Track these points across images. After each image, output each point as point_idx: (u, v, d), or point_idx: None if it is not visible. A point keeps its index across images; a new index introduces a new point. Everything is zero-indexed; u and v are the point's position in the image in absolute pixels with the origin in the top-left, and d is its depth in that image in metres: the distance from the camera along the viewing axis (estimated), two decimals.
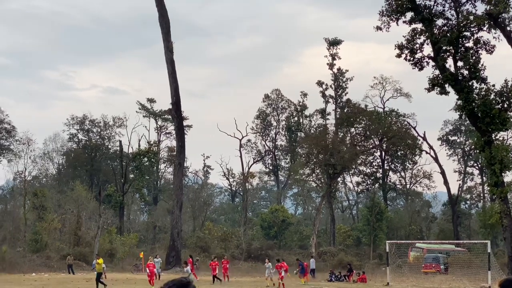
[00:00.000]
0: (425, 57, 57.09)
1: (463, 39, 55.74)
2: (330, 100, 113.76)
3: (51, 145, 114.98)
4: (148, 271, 47.49)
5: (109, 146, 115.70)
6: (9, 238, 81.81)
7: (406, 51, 57.36)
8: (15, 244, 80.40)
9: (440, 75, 55.69)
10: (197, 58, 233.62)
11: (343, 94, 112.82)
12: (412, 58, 57.48)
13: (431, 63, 56.69)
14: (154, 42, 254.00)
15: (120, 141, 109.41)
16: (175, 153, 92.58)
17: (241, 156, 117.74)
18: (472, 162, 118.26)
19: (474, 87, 55.18)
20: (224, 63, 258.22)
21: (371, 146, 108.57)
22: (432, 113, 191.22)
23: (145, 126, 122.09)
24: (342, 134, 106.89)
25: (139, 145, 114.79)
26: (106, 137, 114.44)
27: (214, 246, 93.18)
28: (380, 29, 58.44)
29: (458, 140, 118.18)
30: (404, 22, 57.12)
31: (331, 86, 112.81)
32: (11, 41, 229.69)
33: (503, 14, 55.06)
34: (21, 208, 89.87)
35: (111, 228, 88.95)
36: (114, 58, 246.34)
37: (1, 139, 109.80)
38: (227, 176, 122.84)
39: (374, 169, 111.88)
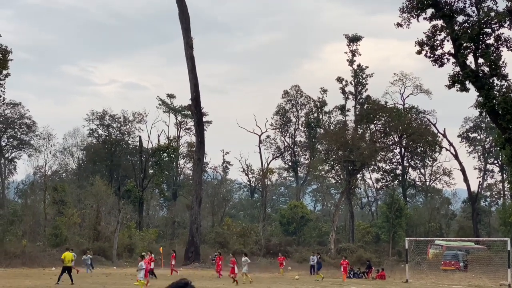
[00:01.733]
0: (446, 54, 56.71)
1: (484, 35, 55.33)
2: (350, 96, 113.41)
3: (71, 140, 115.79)
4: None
5: (129, 142, 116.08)
6: (29, 233, 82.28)
7: (427, 48, 57.00)
8: (35, 239, 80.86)
9: (460, 72, 55.35)
10: (216, 54, 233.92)
11: (363, 90, 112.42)
12: (432, 55, 57.11)
13: (452, 59, 56.31)
14: (174, 37, 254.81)
15: (140, 137, 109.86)
16: (194, 148, 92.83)
17: (260, 152, 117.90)
18: (492, 160, 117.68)
19: (495, 84, 54.76)
20: (244, 59, 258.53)
21: (390, 143, 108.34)
22: (453, 110, 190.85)
23: (165, 122, 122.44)
24: (361, 130, 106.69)
25: (158, 141, 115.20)
26: (126, 133, 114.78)
27: (233, 242, 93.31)
28: (401, 25, 58.17)
29: (479, 137, 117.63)
30: (424, 18, 56.76)
31: (351, 82, 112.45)
32: (32, 36, 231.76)
33: None
34: (41, 203, 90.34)
35: (130, 223, 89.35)
36: (133, 54, 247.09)
37: (22, 134, 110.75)
38: (246, 172, 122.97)
39: (393, 166, 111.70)
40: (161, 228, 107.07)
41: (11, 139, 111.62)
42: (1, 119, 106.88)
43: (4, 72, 66.62)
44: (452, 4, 56.11)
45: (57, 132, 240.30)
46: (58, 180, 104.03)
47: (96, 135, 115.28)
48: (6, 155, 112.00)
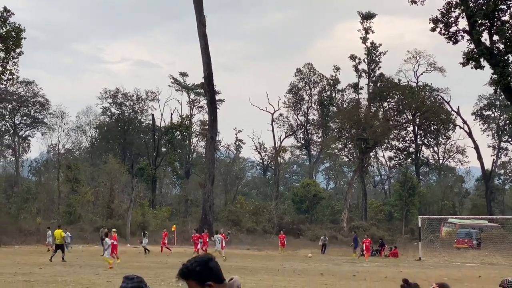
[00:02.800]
0: (460, 31, 56.35)
1: (499, 12, 54.89)
2: (363, 74, 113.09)
3: (84, 118, 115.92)
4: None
5: (142, 120, 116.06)
6: (43, 210, 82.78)
7: (441, 25, 56.64)
8: (49, 216, 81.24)
9: (475, 49, 54.99)
10: (229, 31, 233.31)
11: (376, 68, 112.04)
12: (446, 32, 56.76)
13: (466, 37, 55.96)
14: (185, 15, 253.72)
15: (153, 115, 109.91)
16: (207, 127, 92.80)
17: (273, 130, 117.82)
18: (506, 137, 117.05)
19: (509, 61, 54.42)
20: (256, 37, 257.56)
21: (404, 121, 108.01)
22: (467, 87, 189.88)
23: (178, 100, 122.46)
24: (374, 108, 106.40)
25: (171, 119, 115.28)
26: (138, 111, 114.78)
27: (245, 220, 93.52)
28: (415, 2, 57.87)
29: (493, 115, 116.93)
30: None
31: (364, 60, 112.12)
32: (44, 14, 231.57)
33: None
34: (54, 181, 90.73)
35: (143, 201, 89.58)
36: (145, 31, 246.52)
37: (35, 112, 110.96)
38: (259, 150, 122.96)
39: (406, 144, 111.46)
40: (174, 206, 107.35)
41: (25, 117, 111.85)
42: (14, 97, 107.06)
43: (18, 50, 66.79)
44: None
45: (70, 110, 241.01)
46: (71, 158, 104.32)
47: (109, 114, 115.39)
48: (20, 133, 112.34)
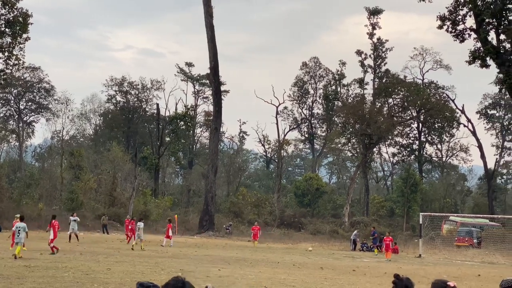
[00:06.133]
0: (467, 29, 56.30)
1: (507, 11, 54.81)
2: (369, 70, 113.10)
3: (89, 105, 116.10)
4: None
5: (146, 109, 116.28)
6: (46, 196, 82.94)
7: (448, 23, 56.61)
8: (52, 202, 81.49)
9: (481, 48, 54.95)
10: (235, 22, 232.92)
11: (382, 64, 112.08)
12: (453, 30, 56.71)
13: (473, 35, 55.91)
14: (191, 5, 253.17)
15: (157, 104, 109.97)
16: (211, 117, 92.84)
17: (277, 123, 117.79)
18: (510, 137, 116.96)
19: None
20: (262, 28, 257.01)
21: (408, 118, 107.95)
22: (472, 86, 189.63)
23: (183, 90, 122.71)
24: (379, 104, 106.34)
25: (176, 109, 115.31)
26: (143, 100, 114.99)
27: (247, 212, 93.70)
28: None
29: (497, 114, 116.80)
30: None
31: (370, 55, 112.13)
32: (50, 0, 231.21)
33: None
34: (58, 167, 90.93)
35: (146, 190, 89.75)
36: (150, 20, 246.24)
37: (40, 98, 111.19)
38: (262, 143, 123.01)
39: (410, 141, 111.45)
40: (176, 196, 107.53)
41: (30, 103, 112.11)
42: (20, 82, 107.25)
43: (24, 36, 66.78)
44: None
45: (75, 97, 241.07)
46: (75, 145, 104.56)
47: (114, 101, 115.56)
48: (25, 119, 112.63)
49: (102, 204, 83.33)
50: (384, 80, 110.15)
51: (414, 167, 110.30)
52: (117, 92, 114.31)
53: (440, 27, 56.74)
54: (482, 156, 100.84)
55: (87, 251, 38.13)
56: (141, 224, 45.32)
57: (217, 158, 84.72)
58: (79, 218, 51.32)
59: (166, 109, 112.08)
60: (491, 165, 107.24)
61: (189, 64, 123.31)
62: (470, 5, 54.82)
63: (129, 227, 51.74)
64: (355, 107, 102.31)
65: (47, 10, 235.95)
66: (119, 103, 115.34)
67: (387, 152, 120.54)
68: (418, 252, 56.88)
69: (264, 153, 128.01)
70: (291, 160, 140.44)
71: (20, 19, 65.56)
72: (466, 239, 72.53)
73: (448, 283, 6.37)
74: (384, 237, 57.58)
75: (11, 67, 69.77)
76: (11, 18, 66.04)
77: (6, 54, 66.88)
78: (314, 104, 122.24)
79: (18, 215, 36.67)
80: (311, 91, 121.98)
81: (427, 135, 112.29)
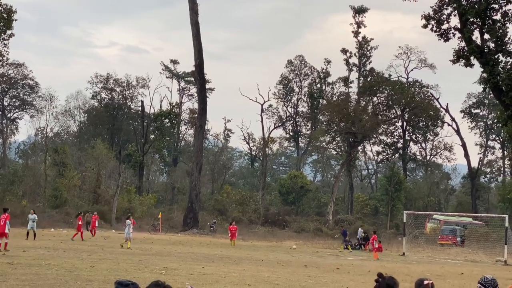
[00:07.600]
0: (452, 29, 56.36)
1: (491, 11, 54.93)
2: (354, 68, 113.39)
3: (73, 102, 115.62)
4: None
5: (131, 106, 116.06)
6: (29, 193, 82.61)
7: (433, 22, 56.65)
8: (35, 199, 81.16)
9: (465, 47, 55.08)
10: (219, 20, 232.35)
11: (367, 62, 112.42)
12: (438, 29, 56.76)
13: (457, 34, 55.97)
14: (176, 1, 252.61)
15: (142, 101, 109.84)
16: (196, 115, 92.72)
17: (262, 121, 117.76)
18: (494, 136, 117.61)
19: (500, 60, 54.47)
20: (248, 26, 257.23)
21: (393, 116, 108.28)
22: (456, 85, 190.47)
23: (168, 87, 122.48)
24: (364, 102, 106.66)
25: (160, 106, 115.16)
26: (128, 97, 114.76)
27: (231, 210, 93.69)
28: None
29: (481, 113, 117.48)
30: None
31: (355, 54, 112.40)
32: None
33: None
34: (41, 164, 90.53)
35: (130, 188, 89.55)
36: (134, 17, 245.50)
37: (24, 94, 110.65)
38: (247, 141, 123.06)
39: (395, 139, 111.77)
40: (160, 194, 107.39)
41: (14, 99, 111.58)
42: (4, 78, 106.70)
43: (8, 32, 66.42)
44: None
45: (59, 94, 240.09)
46: (59, 142, 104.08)
47: (99, 98, 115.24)
48: (8, 115, 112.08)
49: (86, 201, 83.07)
50: (369, 79, 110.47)
51: (398, 166, 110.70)
52: (102, 89, 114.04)
53: (425, 26, 56.81)
54: (466, 155, 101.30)
55: (70, 249, 38.00)
56: (128, 222, 44.42)
57: (201, 156, 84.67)
58: (37, 217, 50.36)
59: (151, 106, 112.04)
60: (474, 164, 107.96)
61: (174, 62, 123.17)
62: (455, 5, 54.94)
63: (79, 223, 51.52)
64: (340, 105, 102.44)
65: (29, 6, 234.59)
66: (104, 100, 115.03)
67: (371, 151, 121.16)
68: (402, 250, 57.06)
69: (249, 151, 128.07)
70: (275, 158, 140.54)
71: (5, 15, 65.21)
72: (450, 237, 72.88)
73: (425, 282, 6.40)
74: (374, 235, 57.24)
75: None
76: None
77: None
78: (299, 102, 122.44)
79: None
80: (296, 89, 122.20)
81: (411, 134, 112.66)
